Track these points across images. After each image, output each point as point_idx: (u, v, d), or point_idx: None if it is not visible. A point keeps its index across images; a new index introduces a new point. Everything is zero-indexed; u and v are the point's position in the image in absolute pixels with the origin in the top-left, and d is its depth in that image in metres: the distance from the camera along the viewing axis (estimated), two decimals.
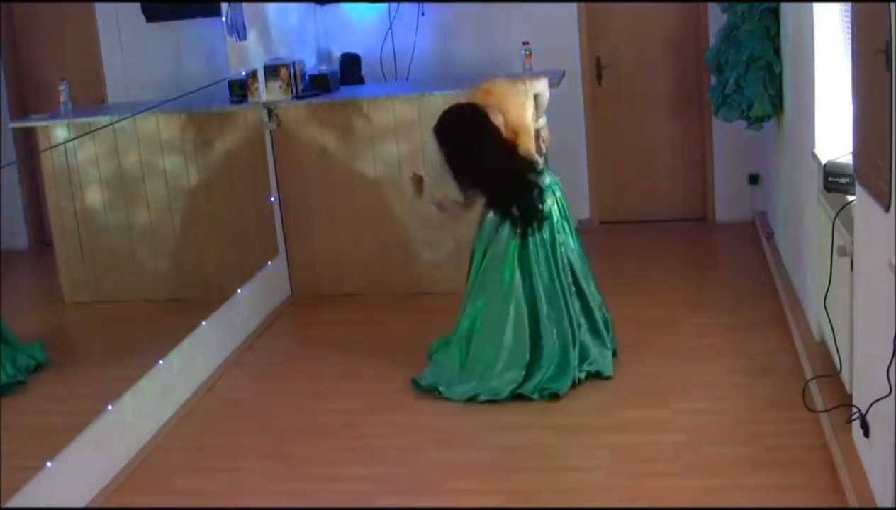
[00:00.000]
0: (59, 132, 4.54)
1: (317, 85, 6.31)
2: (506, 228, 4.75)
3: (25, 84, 4.58)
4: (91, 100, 4.96)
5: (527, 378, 4.72)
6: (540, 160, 4.83)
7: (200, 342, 5.21)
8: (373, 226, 6.27)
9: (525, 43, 6.38)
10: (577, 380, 4.76)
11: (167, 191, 5.24)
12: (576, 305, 4.84)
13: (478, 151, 4.60)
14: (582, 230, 7.18)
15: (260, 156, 6.15)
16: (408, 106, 6.12)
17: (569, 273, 4.83)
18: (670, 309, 5.71)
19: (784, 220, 5.99)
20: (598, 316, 4.91)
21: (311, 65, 6.74)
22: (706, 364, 4.94)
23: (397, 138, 6.15)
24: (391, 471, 4.21)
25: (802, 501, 3.66)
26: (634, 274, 6.42)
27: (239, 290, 5.72)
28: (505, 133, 4.67)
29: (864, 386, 3.61)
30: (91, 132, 4.62)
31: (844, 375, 4.01)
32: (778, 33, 5.88)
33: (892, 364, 3.02)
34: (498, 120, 4.65)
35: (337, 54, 7.17)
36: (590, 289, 4.92)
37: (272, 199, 6.26)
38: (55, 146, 4.49)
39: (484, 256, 4.82)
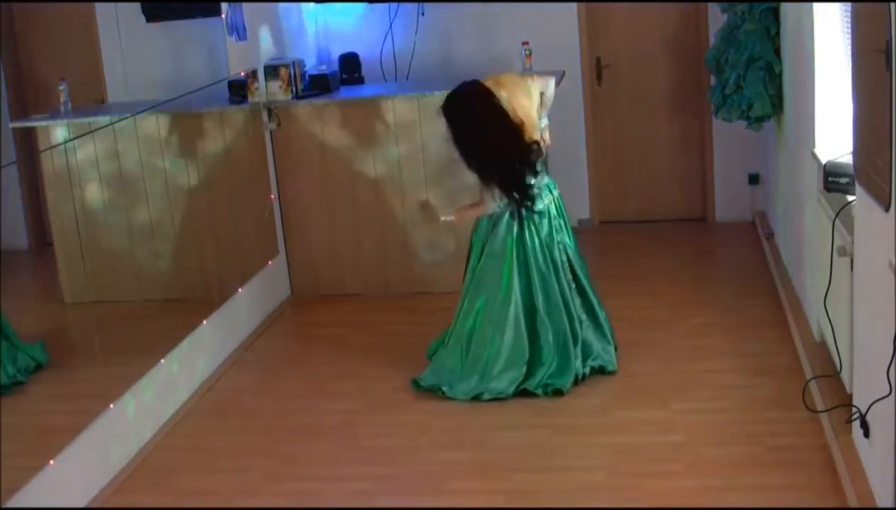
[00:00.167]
0: (59, 132, 4.53)
1: (317, 85, 6.31)
2: (503, 225, 4.75)
3: (25, 84, 4.58)
4: (91, 100, 4.96)
5: (529, 375, 4.73)
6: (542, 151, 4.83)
7: (200, 342, 5.21)
8: (373, 226, 6.28)
9: (525, 43, 6.38)
10: (580, 376, 4.77)
11: (167, 191, 5.24)
12: (576, 302, 4.85)
13: (484, 128, 4.62)
14: (582, 230, 7.24)
15: (260, 156, 6.15)
16: (408, 106, 6.12)
17: (568, 270, 4.84)
18: (670, 309, 5.71)
19: (784, 220, 5.99)
20: (600, 312, 4.92)
21: (311, 65, 6.74)
22: (706, 364, 4.94)
23: (397, 138, 6.15)
24: (391, 471, 4.21)
25: (802, 501, 3.66)
26: (634, 274, 6.43)
27: (239, 290, 5.72)
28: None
29: (864, 386, 3.61)
30: (91, 132, 4.62)
31: (844, 375, 4.01)
32: (778, 33, 5.88)
33: (892, 364, 3.02)
34: (506, 106, 4.66)
35: (337, 54, 7.16)
36: (591, 286, 4.93)
37: (272, 198, 6.26)
38: (55, 146, 4.49)
39: (482, 253, 4.82)
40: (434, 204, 5.19)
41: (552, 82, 4.98)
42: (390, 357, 5.29)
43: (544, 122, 4.94)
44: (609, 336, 4.96)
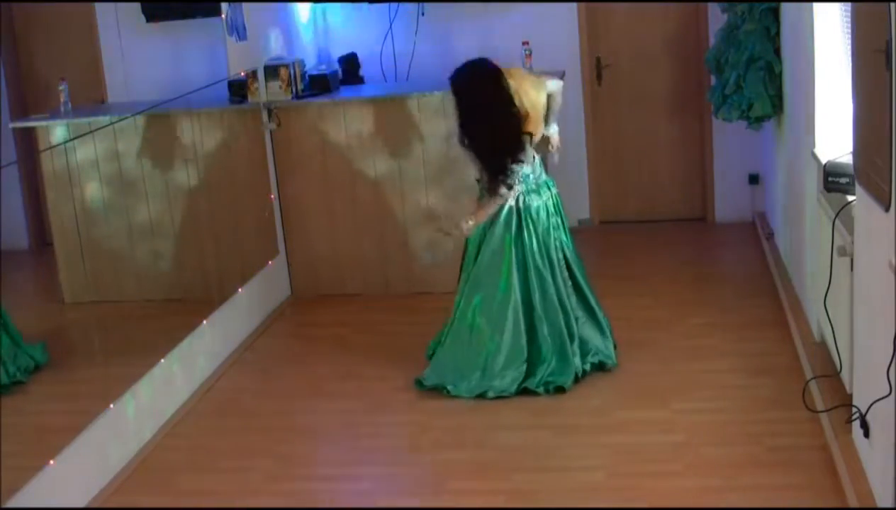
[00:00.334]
0: (59, 132, 4.54)
1: (317, 85, 6.31)
2: (501, 222, 4.76)
3: (25, 84, 4.58)
4: (91, 100, 4.96)
5: (530, 373, 4.74)
6: (536, 157, 4.84)
7: (200, 342, 5.21)
8: (373, 226, 6.27)
9: (525, 43, 6.38)
10: (580, 373, 4.78)
11: (167, 191, 5.24)
12: (572, 299, 4.85)
13: (488, 102, 4.65)
14: (582, 230, 7.25)
15: (260, 156, 6.15)
16: (408, 106, 6.12)
17: (564, 268, 4.85)
18: (670, 309, 5.71)
19: (784, 220, 5.99)
20: (597, 308, 4.93)
21: (311, 65, 6.74)
22: (706, 364, 4.94)
23: (397, 138, 6.15)
24: (391, 471, 4.21)
25: (802, 501, 3.66)
26: (634, 274, 6.43)
27: (239, 290, 5.72)
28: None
29: (864, 386, 3.61)
30: (91, 132, 4.62)
31: (844, 375, 4.01)
32: (778, 33, 5.88)
33: (892, 364, 3.02)
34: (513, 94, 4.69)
35: (337, 54, 7.16)
36: (587, 283, 4.93)
37: (272, 198, 6.26)
38: (55, 146, 4.50)
39: (479, 250, 4.82)
40: (443, 222, 5.06)
41: (560, 86, 5.02)
42: (390, 357, 5.29)
43: (553, 128, 4.97)
44: (608, 332, 4.96)
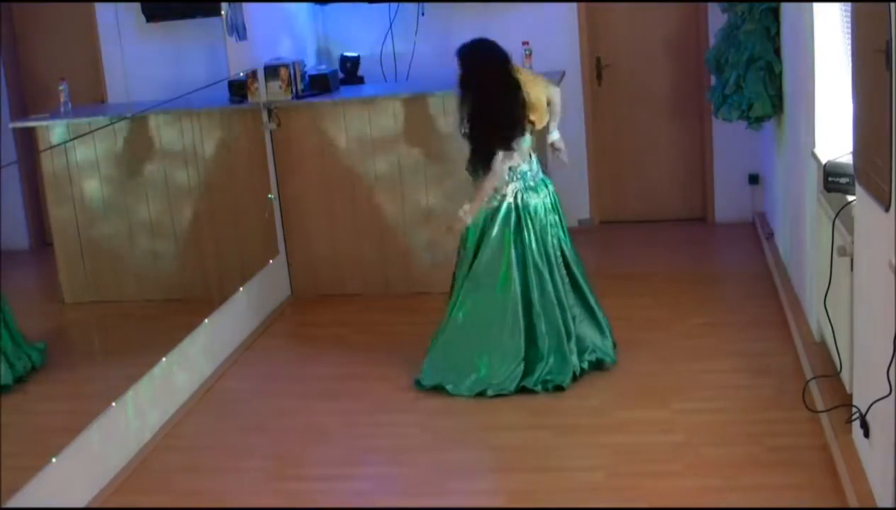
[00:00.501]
0: (59, 132, 4.54)
1: (317, 85, 6.31)
2: (500, 220, 4.77)
3: (25, 84, 4.58)
4: (91, 100, 4.96)
5: (528, 371, 4.74)
6: (533, 155, 4.86)
7: (200, 342, 5.21)
8: (373, 226, 6.27)
9: (525, 43, 6.37)
10: (577, 371, 4.78)
11: (167, 191, 5.24)
12: (569, 297, 4.85)
13: (497, 75, 4.71)
14: (582, 230, 7.25)
15: (260, 156, 6.15)
16: (408, 106, 6.12)
17: (562, 266, 4.85)
18: (670, 309, 5.71)
19: (784, 219, 5.99)
20: (595, 306, 4.93)
21: (311, 65, 6.74)
22: (706, 364, 4.94)
23: (397, 138, 6.15)
24: (391, 471, 4.21)
25: (802, 501, 3.66)
26: (634, 274, 6.43)
27: (239, 290, 5.72)
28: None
29: (864, 386, 3.61)
30: (91, 132, 4.63)
31: (844, 375, 4.01)
32: (778, 33, 5.88)
33: (892, 364, 3.02)
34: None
35: (337, 54, 7.16)
36: (585, 280, 4.93)
37: (272, 198, 6.26)
38: (55, 146, 4.50)
39: (477, 248, 4.82)
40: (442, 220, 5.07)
41: (559, 93, 5.08)
42: (390, 357, 5.29)
43: (556, 134, 5.04)
44: (607, 331, 4.96)
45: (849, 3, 3.77)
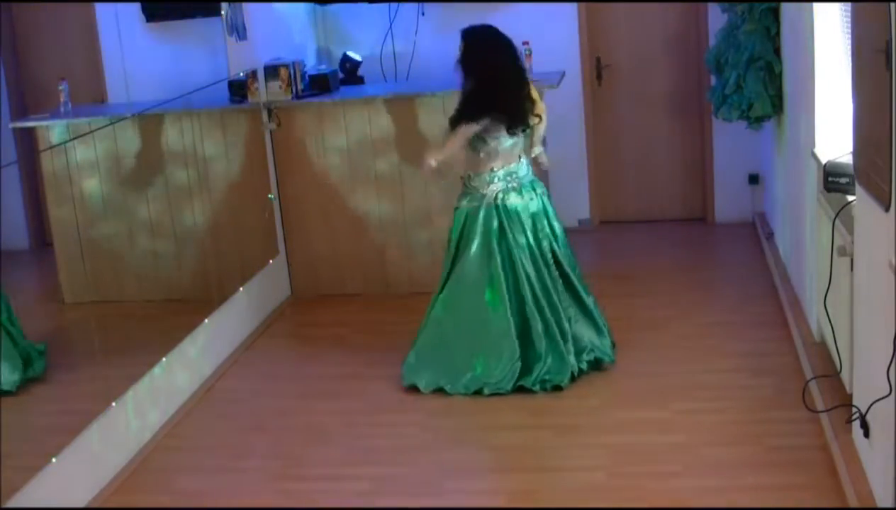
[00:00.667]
0: (59, 132, 4.54)
1: (317, 85, 6.31)
2: (482, 219, 4.79)
3: (25, 84, 4.58)
4: (91, 100, 4.96)
5: (526, 371, 4.74)
6: (522, 157, 4.89)
7: (200, 342, 5.21)
8: (373, 226, 6.27)
9: (525, 43, 6.37)
10: (576, 371, 4.78)
11: (167, 191, 5.24)
12: (563, 297, 4.85)
13: (503, 59, 4.81)
14: (582, 230, 7.25)
15: (260, 156, 6.15)
16: (407, 106, 6.12)
17: (552, 266, 4.85)
18: (670, 309, 5.71)
19: (784, 220, 5.99)
20: (592, 307, 4.93)
21: (311, 65, 6.74)
22: (706, 364, 4.94)
23: (397, 138, 6.15)
24: (391, 471, 4.21)
25: (802, 501, 3.66)
26: (634, 274, 6.43)
27: (239, 290, 5.72)
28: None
29: (864, 386, 3.61)
30: (91, 132, 4.63)
31: (844, 375, 4.01)
32: (778, 33, 5.88)
33: (892, 364, 3.02)
34: None
35: (337, 54, 7.16)
36: (580, 279, 4.93)
37: (272, 198, 6.26)
38: (55, 146, 4.50)
39: (464, 247, 4.83)
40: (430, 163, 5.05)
41: (545, 110, 5.09)
42: (390, 357, 5.29)
43: (539, 148, 5.03)
44: (605, 331, 4.97)
45: (849, 3, 3.77)
